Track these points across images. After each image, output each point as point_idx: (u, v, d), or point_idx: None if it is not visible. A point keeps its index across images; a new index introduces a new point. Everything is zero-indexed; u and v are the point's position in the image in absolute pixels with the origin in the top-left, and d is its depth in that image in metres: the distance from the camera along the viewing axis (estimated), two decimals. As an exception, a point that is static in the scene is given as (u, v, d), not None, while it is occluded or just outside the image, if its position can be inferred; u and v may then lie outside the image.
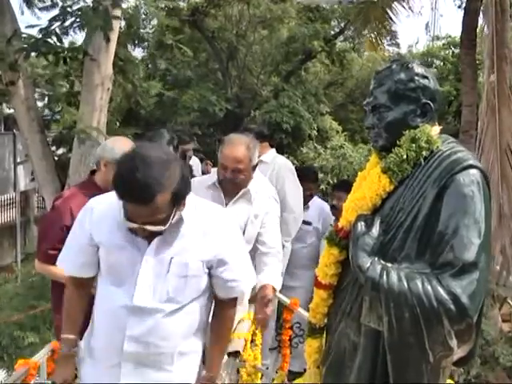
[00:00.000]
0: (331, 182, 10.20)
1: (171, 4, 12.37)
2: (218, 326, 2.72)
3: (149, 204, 2.26)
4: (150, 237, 2.44)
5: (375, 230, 2.30)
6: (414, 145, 2.31)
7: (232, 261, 2.64)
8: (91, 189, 3.44)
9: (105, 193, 2.79)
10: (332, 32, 14.83)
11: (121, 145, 3.46)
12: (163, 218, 2.34)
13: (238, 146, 3.71)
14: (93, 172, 3.79)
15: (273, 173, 5.05)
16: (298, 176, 5.15)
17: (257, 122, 5.58)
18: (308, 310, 2.80)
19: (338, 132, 13.15)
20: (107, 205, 2.53)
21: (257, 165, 3.84)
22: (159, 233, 2.42)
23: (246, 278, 2.72)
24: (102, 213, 2.55)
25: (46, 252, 3.45)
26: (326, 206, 5.44)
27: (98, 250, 2.57)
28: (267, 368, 4.53)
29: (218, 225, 2.61)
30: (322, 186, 10.19)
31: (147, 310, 2.48)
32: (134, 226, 2.35)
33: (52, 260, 3.17)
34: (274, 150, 5.34)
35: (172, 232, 2.46)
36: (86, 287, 2.72)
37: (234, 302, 2.75)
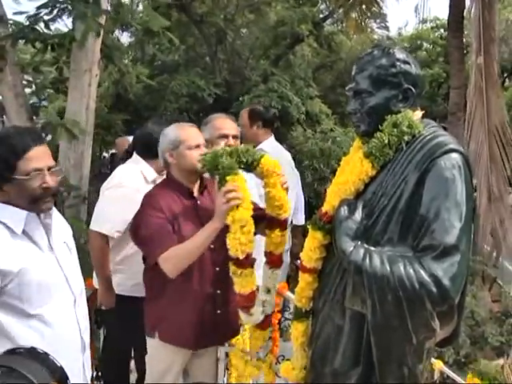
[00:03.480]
0: (318, 167, 10.16)
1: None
2: None
3: None
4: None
5: (358, 214, 2.32)
6: (395, 129, 2.33)
7: None
8: (171, 185, 3.30)
9: (185, 185, 3.21)
10: (321, 15, 14.79)
11: (172, 128, 3.36)
12: None
13: (227, 118, 3.82)
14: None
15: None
16: None
17: (261, 106, 5.62)
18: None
19: (327, 115, 13.11)
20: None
21: None
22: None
23: None
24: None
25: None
26: None
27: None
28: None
29: None
30: (307, 173, 10.08)
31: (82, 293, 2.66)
32: None
33: None
34: (272, 136, 5.35)
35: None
36: None
37: None
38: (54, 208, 2.59)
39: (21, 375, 1.54)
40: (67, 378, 1.69)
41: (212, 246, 3.08)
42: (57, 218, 2.63)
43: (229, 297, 3.24)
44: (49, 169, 2.41)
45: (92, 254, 3.80)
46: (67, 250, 2.61)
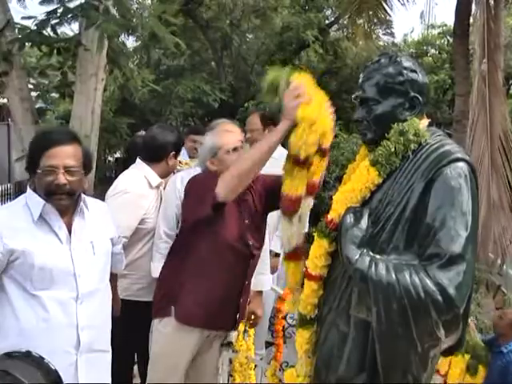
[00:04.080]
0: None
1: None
2: None
3: None
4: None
5: (364, 222, 2.32)
6: (402, 138, 2.34)
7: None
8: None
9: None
10: (326, 21, 14.81)
11: (208, 137, 3.38)
12: None
13: (233, 124, 3.85)
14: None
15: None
16: None
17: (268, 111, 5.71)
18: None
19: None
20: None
21: None
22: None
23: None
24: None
25: None
26: None
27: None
28: (261, 358, 4.57)
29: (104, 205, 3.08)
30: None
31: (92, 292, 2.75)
32: None
33: None
34: None
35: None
36: None
37: None
38: (99, 207, 2.96)
39: (15, 378, 1.56)
40: (61, 381, 1.71)
41: (250, 242, 3.21)
42: (94, 219, 2.84)
43: (249, 289, 3.45)
44: (65, 168, 2.59)
45: None
46: (90, 249, 2.76)
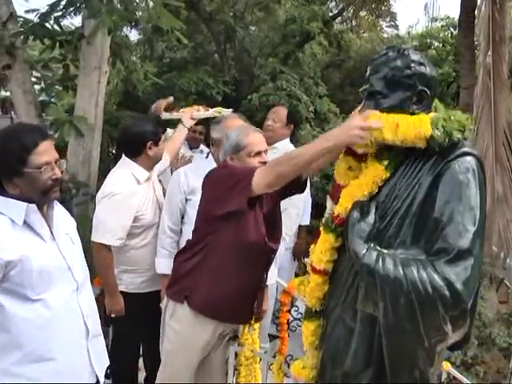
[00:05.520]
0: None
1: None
2: None
3: None
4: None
5: (371, 216, 2.31)
6: (409, 132, 2.33)
7: None
8: None
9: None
10: (330, 13, 14.72)
11: (236, 132, 3.31)
12: None
13: (238, 117, 3.90)
14: None
15: None
16: None
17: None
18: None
19: (336, 114, 13.05)
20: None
21: None
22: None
23: None
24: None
25: None
26: None
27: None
28: (265, 352, 4.56)
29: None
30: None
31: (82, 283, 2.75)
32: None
33: None
34: (288, 138, 5.35)
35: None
36: None
37: None
38: (56, 202, 2.79)
39: None
40: None
41: (270, 237, 3.18)
42: (59, 211, 2.79)
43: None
44: (55, 161, 2.60)
45: (96, 264, 3.75)
46: (70, 240, 2.76)
